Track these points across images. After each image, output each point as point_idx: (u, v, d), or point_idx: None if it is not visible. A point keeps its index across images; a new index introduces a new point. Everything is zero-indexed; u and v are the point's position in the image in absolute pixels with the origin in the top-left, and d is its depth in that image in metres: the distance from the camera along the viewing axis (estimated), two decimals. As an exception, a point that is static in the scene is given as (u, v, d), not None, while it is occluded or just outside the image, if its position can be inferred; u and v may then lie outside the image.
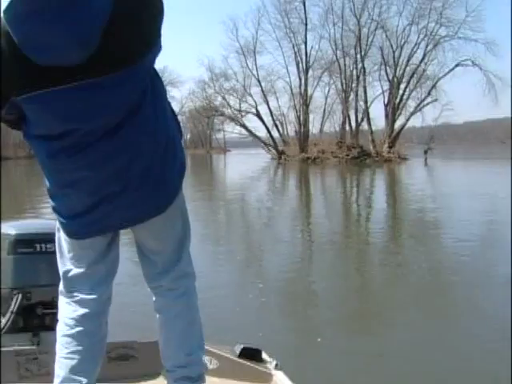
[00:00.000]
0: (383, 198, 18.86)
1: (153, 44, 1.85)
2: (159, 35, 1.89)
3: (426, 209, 14.47)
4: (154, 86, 1.94)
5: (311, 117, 50.59)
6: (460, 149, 78.27)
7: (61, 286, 2.14)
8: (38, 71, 1.72)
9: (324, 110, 52.44)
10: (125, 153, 1.90)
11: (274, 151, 48.98)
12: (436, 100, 46.57)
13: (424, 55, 47.67)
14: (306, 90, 48.55)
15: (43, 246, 2.79)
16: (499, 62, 50.01)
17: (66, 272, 2.12)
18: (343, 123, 50.13)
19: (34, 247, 2.80)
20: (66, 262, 2.12)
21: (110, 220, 2.01)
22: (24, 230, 2.90)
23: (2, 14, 1.69)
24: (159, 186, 1.99)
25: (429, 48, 47.58)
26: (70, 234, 2.06)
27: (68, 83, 1.73)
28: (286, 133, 50.91)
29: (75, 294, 2.09)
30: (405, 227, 11.70)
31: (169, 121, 2.03)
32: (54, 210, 2.06)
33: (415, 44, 47.90)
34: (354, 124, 49.36)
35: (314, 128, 51.59)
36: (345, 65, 48.93)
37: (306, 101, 48.31)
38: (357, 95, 48.79)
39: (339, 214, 14.46)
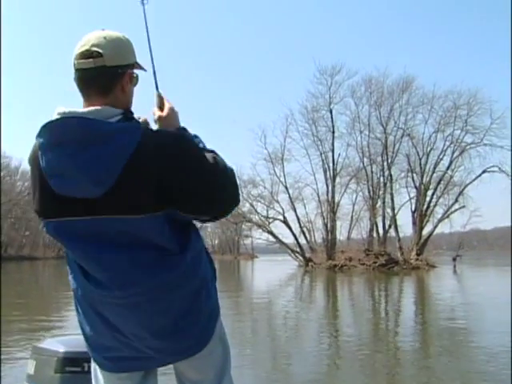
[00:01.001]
0: (411, 307, 18.44)
1: (174, 200, 1.81)
2: (186, 190, 1.82)
3: (455, 319, 14.14)
4: (186, 230, 1.93)
5: (338, 224, 50.55)
6: (490, 255, 76.91)
7: None
8: (57, 199, 1.78)
9: (351, 217, 52.42)
10: (154, 300, 1.87)
11: (300, 258, 48.62)
12: (464, 207, 46.27)
13: (450, 162, 47.98)
14: (333, 197, 48.82)
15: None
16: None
17: None
18: (371, 230, 49.98)
19: (82, 366, 2.68)
20: None
21: (146, 361, 2.00)
22: (73, 347, 2.79)
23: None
24: (191, 329, 1.96)
25: (455, 155, 47.97)
26: (102, 367, 2.04)
27: (82, 216, 1.78)
28: (313, 240, 50.79)
29: None
30: (434, 338, 11.40)
31: (203, 264, 2.00)
32: (86, 340, 2.03)
33: (441, 151, 48.43)
34: (381, 231, 49.29)
35: (341, 235, 51.43)
36: (372, 172, 49.48)
37: (333, 208, 48.45)
38: (384, 202, 48.92)
39: (367, 323, 14.15)
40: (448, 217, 47.22)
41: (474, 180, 46.67)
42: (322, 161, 49.54)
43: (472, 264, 49.34)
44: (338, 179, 49.63)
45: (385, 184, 48.65)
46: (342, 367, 8.54)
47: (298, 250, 49.49)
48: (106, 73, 1.84)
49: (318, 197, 50.16)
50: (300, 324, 13.88)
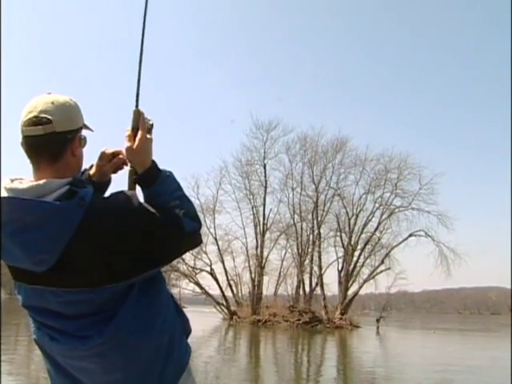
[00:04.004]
0: (328, 364, 18.70)
1: (123, 278, 1.81)
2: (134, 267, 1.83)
3: (370, 376, 14.37)
4: (143, 292, 1.89)
5: (266, 279, 50.09)
6: (417, 317, 78.28)
7: None
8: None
9: (279, 273, 51.76)
10: (104, 357, 1.85)
11: (225, 311, 47.98)
12: (389, 268, 46.90)
13: (379, 224, 48.67)
14: (262, 251, 48.62)
15: None
16: (451, 234, 52.03)
17: None
18: (297, 287, 49.76)
19: None
20: None
21: None
22: None
23: None
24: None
25: (384, 217, 48.77)
26: None
27: (31, 284, 1.81)
28: (239, 294, 50.22)
29: None
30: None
31: (159, 323, 1.94)
32: None
33: (370, 212, 49.13)
34: (307, 288, 49.21)
35: (268, 290, 51.04)
36: (302, 229, 49.59)
37: (261, 263, 48.21)
38: (312, 260, 49.04)
39: (287, 377, 14.25)
40: (374, 278, 47.69)
41: (400, 243, 47.66)
42: (253, 215, 49.70)
43: (396, 326, 49.88)
44: (267, 234, 49.66)
45: (314, 242, 48.85)
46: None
47: (224, 302, 48.91)
48: (56, 139, 1.83)
49: (247, 251, 49.89)
50: (221, 380, 13.87)
